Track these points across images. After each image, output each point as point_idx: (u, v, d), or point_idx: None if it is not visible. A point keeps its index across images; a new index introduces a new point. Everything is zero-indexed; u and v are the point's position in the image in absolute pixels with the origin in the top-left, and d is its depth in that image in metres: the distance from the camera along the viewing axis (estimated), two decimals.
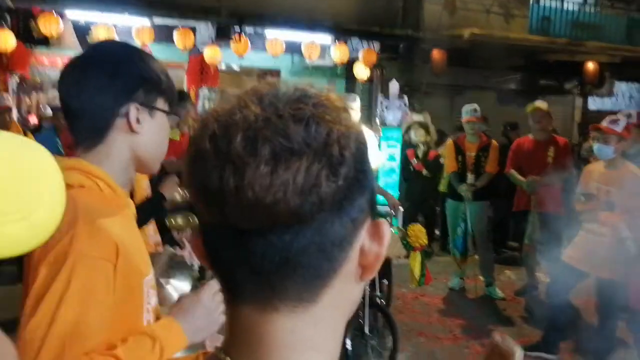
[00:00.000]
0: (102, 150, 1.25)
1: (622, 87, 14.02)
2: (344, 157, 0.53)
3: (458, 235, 5.82)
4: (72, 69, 1.27)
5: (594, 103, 14.05)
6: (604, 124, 4.26)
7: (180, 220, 3.32)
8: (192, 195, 0.57)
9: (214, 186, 0.52)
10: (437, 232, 7.84)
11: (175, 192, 3.01)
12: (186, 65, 9.43)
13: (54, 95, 8.49)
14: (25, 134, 5.46)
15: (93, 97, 1.24)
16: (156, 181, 4.97)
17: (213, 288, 1.31)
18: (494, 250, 6.30)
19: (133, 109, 1.25)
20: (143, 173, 1.38)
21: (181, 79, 9.44)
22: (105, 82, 1.24)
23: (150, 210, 2.72)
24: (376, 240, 0.58)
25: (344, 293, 0.58)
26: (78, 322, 1.07)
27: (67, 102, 1.27)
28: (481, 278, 5.99)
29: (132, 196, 1.44)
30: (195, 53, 9.19)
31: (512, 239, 7.43)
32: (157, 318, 1.33)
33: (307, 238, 0.53)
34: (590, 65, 11.93)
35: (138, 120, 1.25)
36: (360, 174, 0.55)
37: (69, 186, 1.17)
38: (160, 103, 1.30)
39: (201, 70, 9.17)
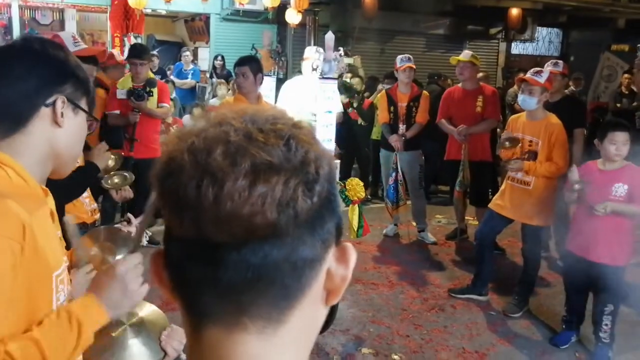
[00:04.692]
0: (19, 139, 1.21)
1: (542, 33, 14.52)
2: (319, 176, 0.55)
3: (390, 185, 5.94)
4: None
5: (517, 47, 14.51)
6: (529, 75, 4.38)
7: (116, 179, 3.27)
8: (163, 209, 0.56)
9: (191, 197, 0.52)
10: (370, 178, 8.00)
11: (108, 159, 2.94)
12: (109, 9, 8.93)
13: None
14: None
15: (14, 84, 1.20)
16: (104, 134, 4.82)
17: (130, 261, 1.29)
18: (425, 196, 6.52)
19: (60, 101, 1.23)
20: (55, 176, 1.33)
21: (104, 25, 8.94)
22: (30, 70, 1.22)
23: (84, 180, 2.65)
24: (342, 264, 0.60)
25: (310, 316, 0.60)
26: None
27: None
28: (414, 224, 6.24)
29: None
30: None
31: (443, 184, 7.69)
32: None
33: (280, 254, 0.54)
34: (514, 11, 12.31)
35: (62, 114, 1.23)
36: (331, 196, 0.57)
37: None
38: (84, 103, 1.29)
39: (125, 16, 8.70)
